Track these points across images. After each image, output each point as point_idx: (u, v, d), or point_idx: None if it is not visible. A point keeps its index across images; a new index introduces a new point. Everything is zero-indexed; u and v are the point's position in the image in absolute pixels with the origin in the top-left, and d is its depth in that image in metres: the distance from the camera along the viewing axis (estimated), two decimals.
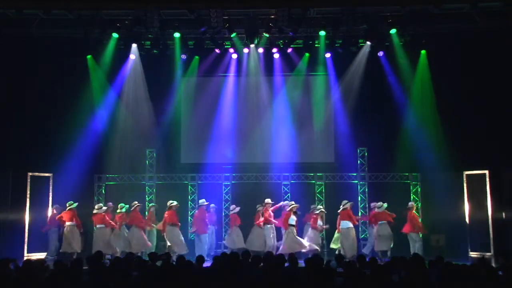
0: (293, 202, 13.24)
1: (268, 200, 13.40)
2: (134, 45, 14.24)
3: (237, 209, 13.80)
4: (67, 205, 13.27)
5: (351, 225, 12.99)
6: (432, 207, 14.28)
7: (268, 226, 13.20)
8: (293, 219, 12.78)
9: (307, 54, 14.67)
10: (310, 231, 13.39)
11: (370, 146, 14.77)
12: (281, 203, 13.68)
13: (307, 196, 14.52)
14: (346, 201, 13.23)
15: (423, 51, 14.21)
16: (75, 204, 13.32)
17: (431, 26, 13.43)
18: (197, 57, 14.88)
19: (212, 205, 14.17)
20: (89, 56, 14.38)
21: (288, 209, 12.98)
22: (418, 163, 14.33)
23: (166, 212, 13.08)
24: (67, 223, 13.18)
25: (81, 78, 14.37)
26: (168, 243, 12.92)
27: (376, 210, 13.36)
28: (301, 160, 15.08)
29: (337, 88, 15.10)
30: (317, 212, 13.43)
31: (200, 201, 13.75)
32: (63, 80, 14.09)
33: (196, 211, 14.02)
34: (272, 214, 13.33)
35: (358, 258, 8.11)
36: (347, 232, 12.93)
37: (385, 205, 13.28)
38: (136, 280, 6.57)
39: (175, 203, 13.21)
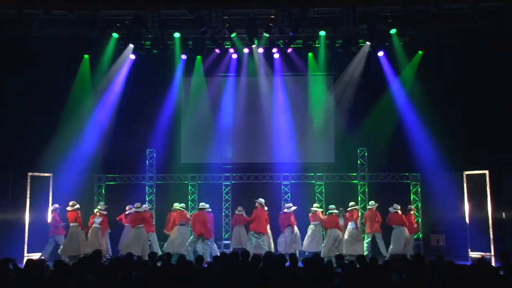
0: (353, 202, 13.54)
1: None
2: (131, 45, 14.22)
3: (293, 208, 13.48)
4: (70, 204, 13.05)
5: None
6: (432, 207, 14.29)
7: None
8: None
9: (310, 54, 14.66)
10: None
11: (370, 146, 14.76)
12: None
13: (307, 196, 14.51)
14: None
15: (420, 52, 14.18)
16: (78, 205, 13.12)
17: (431, 26, 13.44)
18: (199, 57, 14.88)
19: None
20: (86, 56, 14.39)
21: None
22: (418, 163, 14.31)
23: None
24: (71, 224, 12.96)
25: (80, 78, 14.38)
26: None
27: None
28: (301, 160, 15.08)
29: (337, 88, 15.10)
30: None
31: (201, 204, 13.43)
32: (63, 80, 14.09)
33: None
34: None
35: (358, 258, 8.11)
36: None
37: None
38: (136, 280, 6.57)
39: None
